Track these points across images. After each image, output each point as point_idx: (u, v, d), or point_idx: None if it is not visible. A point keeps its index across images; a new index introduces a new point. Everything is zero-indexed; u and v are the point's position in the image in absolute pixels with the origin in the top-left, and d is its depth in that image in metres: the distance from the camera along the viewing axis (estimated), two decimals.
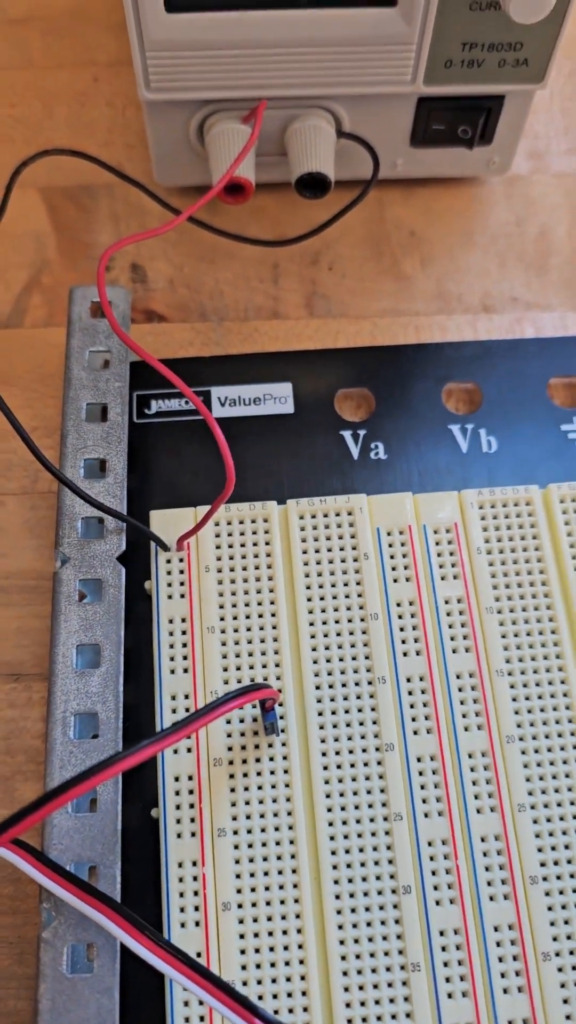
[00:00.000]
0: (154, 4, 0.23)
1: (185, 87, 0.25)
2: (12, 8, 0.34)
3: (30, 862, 0.19)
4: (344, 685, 0.21)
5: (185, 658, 0.22)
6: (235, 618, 0.22)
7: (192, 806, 0.20)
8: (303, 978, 0.19)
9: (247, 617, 0.22)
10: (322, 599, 0.22)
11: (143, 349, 0.20)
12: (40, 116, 0.32)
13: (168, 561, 0.22)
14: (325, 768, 0.21)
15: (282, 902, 0.20)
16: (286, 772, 0.21)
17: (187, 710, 0.21)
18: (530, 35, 0.24)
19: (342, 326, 0.28)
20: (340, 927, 0.19)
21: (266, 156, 0.28)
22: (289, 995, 0.19)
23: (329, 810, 0.20)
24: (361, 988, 0.19)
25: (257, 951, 0.19)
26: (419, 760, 0.21)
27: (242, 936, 0.19)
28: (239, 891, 0.20)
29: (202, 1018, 0.19)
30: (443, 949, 0.19)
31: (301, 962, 0.19)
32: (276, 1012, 0.19)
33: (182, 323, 0.28)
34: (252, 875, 0.20)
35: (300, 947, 0.19)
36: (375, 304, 0.28)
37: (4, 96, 0.32)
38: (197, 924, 0.20)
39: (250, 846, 0.20)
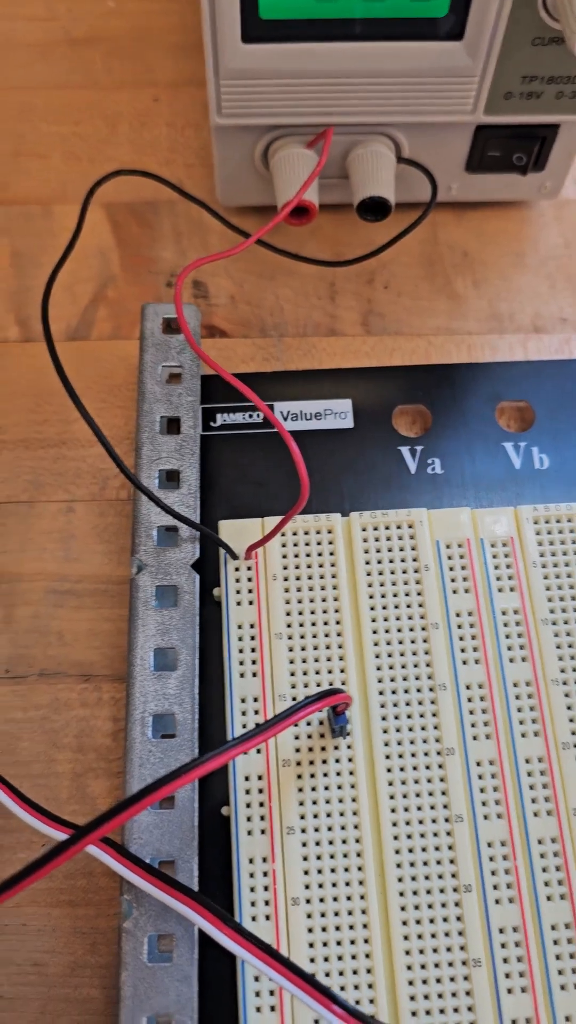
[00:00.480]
0: (232, 35, 0.24)
1: (255, 113, 0.26)
2: (75, 29, 0.35)
3: (114, 856, 0.20)
4: (406, 691, 0.22)
5: (254, 663, 0.22)
6: (301, 625, 0.23)
7: (262, 805, 0.21)
8: (369, 971, 0.20)
9: (312, 624, 0.23)
10: (384, 608, 0.23)
11: (221, 367, 0.21)
12: (103, 134, 0.33)
13: (237, 569, 0.23)
14: (389, 770, 0.21)
15: (348, 898, 0.20)
16: (351, 773, 0.21)
17: (256, 712, 0.22)
18: None
19: (397, 343, 0.29)
20: (404, 923, 0.20)
21: (326, 179, 0.29)
22: (356, 987, 0.20)
23: (393, 811, 0.21)
24: (424, 982, 0.20)
25: (325, 944, 0.20)
26: (478, 764, 0.22)
27: (310, 930, 0.20)
28: (307, 887, 0.21)
29: (272, 1008, 0.20)
30: (503, 946, 0.20)
31: (367, 956, 0.20)
32: None
33: (243, 338, 0.29)
34: (320, 871, 0.21)
35: (366, 941, 0.20)
36: (429, 322, 0.29)
37: (68, 114, 0.33)
38: (267, 918, 0.20)
39: (317, 843, 0.21)
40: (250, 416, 0.26)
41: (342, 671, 0.22)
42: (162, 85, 0.34)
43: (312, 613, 0.23)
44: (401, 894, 0.21)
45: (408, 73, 0.25)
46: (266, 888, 0.21)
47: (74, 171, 0.32)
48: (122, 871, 0.20)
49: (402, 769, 0.21)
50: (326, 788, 0.21)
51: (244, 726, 0.22)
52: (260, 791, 0.21)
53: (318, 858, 0.21)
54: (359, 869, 0.21)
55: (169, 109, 0.33)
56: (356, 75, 0.25)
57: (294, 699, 0.22)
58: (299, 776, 0.21)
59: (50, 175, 0.32)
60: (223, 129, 0.27)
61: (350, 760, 0.21)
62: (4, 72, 0.34)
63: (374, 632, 0.23)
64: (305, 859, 0.21)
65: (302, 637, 0.23)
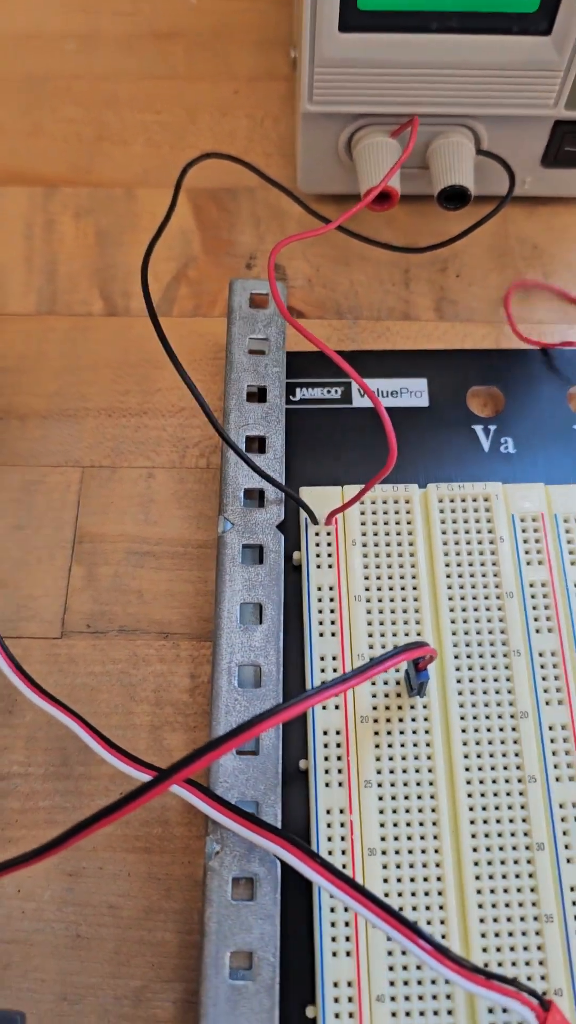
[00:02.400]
0: (330, 23, 0.25)
1: (345, 101, 0.27)
2: (159, 23, 0.36)
3: (201, 797, 0.20)
4: (481, 656, 0.23)
5: (333, 623, 0.23)
6: (379, 589, 0.23)
7: (340, 758, 0.22)
8: (443, 922, 0.20)
9: (390, 589, 0.23)
10: (460, 576, 0.23)
11: (319, 340, 0.22)
12: (184, 123, 0.34)
13: (317, 534, 0.24)
14: (463, 731, 0.22)
15: (423, 851, 0.21)
16: (427, 732, 0.22)
17: (335, 670, 0.23)
18: None
19: (469, 330, 0.29)
20: (477, 877, 0.21)
21: (404, 168, 0.29)
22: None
23: (467, 769, 0.22)
24: (497, 935, 0.20)
25: (400, 895, 0.21)
26: (551, 728, 0.22)
27: (386, 880, 0.21)
28: (383, 838, 0.21)
29: (348, 953, 0.20)
30: (574, 903, 0.20)
31: (441, 907, 0.21)
32: None
33: (319, 319, 0.30)
34: (395, 824, 0.21)
35: (440, 893, 0.21)
36: (499, 311, 0.30)
37: (151, 103, 0.34)
38: (344, 867, 0.21)
39: (393, 798, 0.21)
40: (328, 392, 0.26)
41: (418, 634, 0.23)
42: (242, 79, 0.35)
43: (390, 579, 0.23)
44: (474, 850, 0.21)
45: (495, 66, 0.26)
46: (343, 839, 0.21)
47: (155, 157, 0.33)
48: (209, 811, 0.20)
49: (476, 730, 0.22)
50: (402, 745, 0.22)
51: (323, 683, 0.22)
52: (338, 745, 0.22)
53: (394, 811, 0.21)
54: (434, 824, 0.21)
55: (248, 101, 0.34)
56: (445, 66, 0.26)
57: (371, 659, 0.23)
58: (376, 732, 0.22)
59: (132, 160, 0.33)
60: (312, 116, 0.28)
61: (426, 720, 0.22)
62: (91, 62, 0.35)
63: (450, 599, 0.23)
64: (381, 812, 0.21)
65: (379, 600, 0.23)
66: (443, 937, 0.20)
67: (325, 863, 0.19)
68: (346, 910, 0.21)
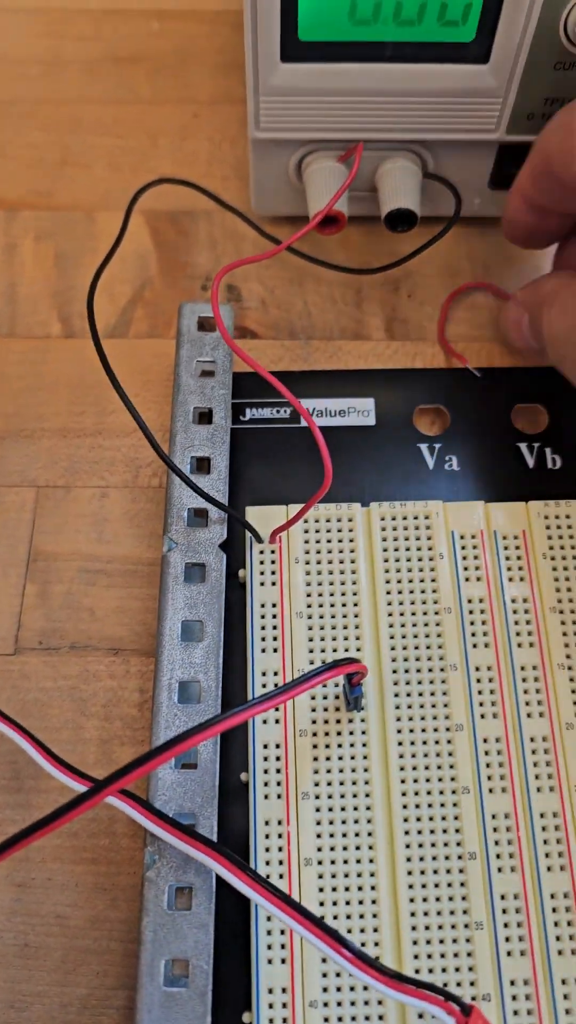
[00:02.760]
0: (272, 54, 0.26)
1: (291, 128, 0.28)
2: (121, 48, 0.37)
3: (138, 810, 0.21)
4: (419, 670, 0.23)
5: (275, 639, 0.24)
6: (320, 605, 0.24)
7: (279, 771, 0.22)
8: (376, 930, 0.21)
9: (332, 605, 0.24)
10: (400, 592, 0.24)
11: (256, 362, 0.23)
12: (145, 147, 0.35)
13: (261, 552, 0.24)
14: (400, 743, 0.22)
15: (358, 860, 0.22)
16: (364, 745, 0.22)
17: (275, 685, 0.23)
18: None
19: (420, 349, 0.30)
20: (410, 886, 0.21)
21: (355, 191, 0.30)
22: (362, 944, 0.21)
23: (403, 781, 0.22)
24: (428, 942, 0.21)
25: (335, 903, 0.21)
26: (485, 741, 0.23)
27: (321, 889, 0.21)
28: (319, 849, 0.22)
29: (283, 960, 0.21)
30: (504, 912, 0.21)
31: (374, 915, 0.21)
32: None
33: (273, 340, 0.30)
34: (332, 835, 0.22)
35: (374, 902, 0.21)
36: (451, 330, 0.30)
37: (113, 128, 0.35)
38: (281, 876, 0.21)
39: (330, 809, 0.22)
40: (277, 412, 0.27)
41: (358, 650, 0.23)
42: (202, 102, 0.35)
43: (331, 595, 0.24)
44: (408, 859, 0.22)
45: (436, 93, 0.27)
46: (280, 849, 0.22)
47: (117, 180, 0.34)
48: (146, 824, 0.21)
49: (412, 743, 0.22)
50: (340, 758, 0.22)
51: (253, 698, 0.23)
52: (278, 759, 0.22)
53: (330, 823, 0.22)
54: (369, 834, 0.22)
55: (208, 124, 0.35)
56: (387, 94, 0.27)
57: (302, 674, 0.23)
58: (315, 746, 0.22)
59: (94, 184, 0.34)
60: (261, 142, 0.29)
61: (364, 732, 0.23)
62: (54, 87, 0.36)
63: (389, 615, 0.24)
64: (318, 823, 0.22)
65: (321, 617, 0.24)
66: (376, 945, 0.21)
67: (253, 874, 0.20)
68: (277, 920, 0.21)
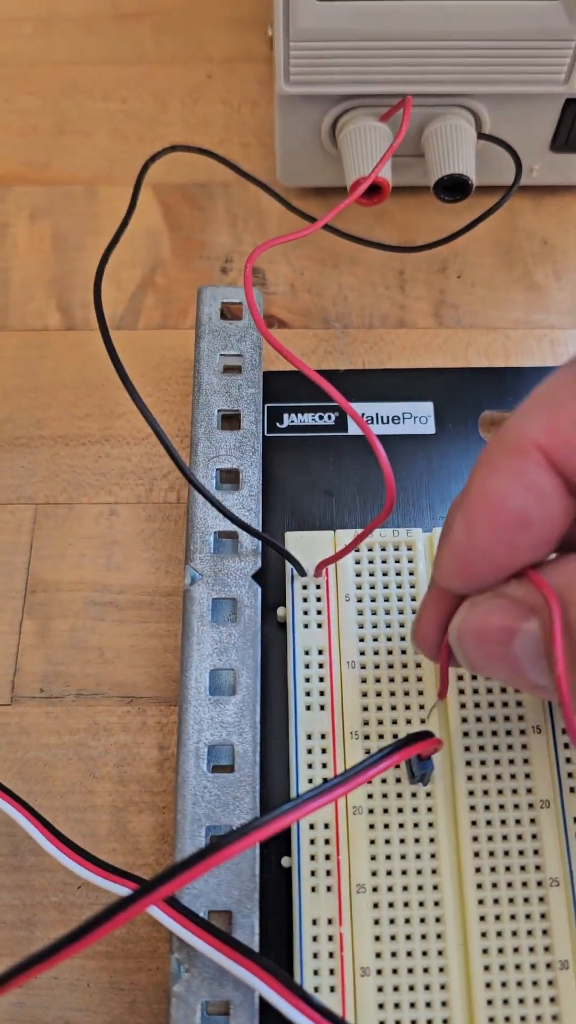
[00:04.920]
0: None
1: (326, 80, 0.23)
2: (123, 2, 0.31)
3: (165, 910, 0.16)
4: (495, 733, 0.19)
5: (322, 694, 0.19)
6: (376, 653, 0.19)
7: (329, 858, 0.18)
8: None
9: (389, 652, 0.19)
10: None
11: (296, 356, 0.18)
12: (153, 111, 0.29)
13: (304, 587, 0.20)
14: (474, 823, 0.18)
15: (426, 970, 0.17)
16: (431, 825, 0.18)
17: (323, 751, 0.19)
18: None
19: (473, 337, 0.25)
20: (490, 1002, 0.17)
21: (396, 157, 0.25)
22: None
23: (478, 870, 0.18)
24: None
25: (398, 1023, 0.17)
26: None
27: (381, 1006, 0.17)
28: (379, 955, 0.17)
29: None
30: None
31: None
32: None
33: (304, 329, 0.25)
34: (393, 938, 0.17)
35: (445, 1022, 0.17)
36: (507, 315, 0.26)
37: (115, 91, 0.30)
38: (332, 989, 0.17)
39: (391, 905, 0.17)
40: (320, 418, 0.22)
41: (421, 707, 0.19)
42: (216, 61, 0.30)
43: (389, 640, 0.19)
44: (487, 968, 0.17)
45: (498, 36, 0.22)
46: (331, 955, 0.17)
47: (121, 150, 0.29)
48: (174, 927, 0.16)
49: (489, 823, 0.18)
50: (402, 841, 0.18)
51: (310, 765, 0.19)
52: (327, 842, 0.18)
53: (391, 922, 0.17)
54: (438, 937, 0.17)
55: (224, 86, 0.30)
56: (440, 38, 0.22)
57: (366, 737, 0.19)
58: (371, 826, 0.18)
59: (95, 154, 0.29)
60: (290, 99, 0.24)
61: (430, 810, 0.18)
62: (48, 47, 0.31)
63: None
64: (377, 923, 0.17)
65: (377, 667, 0.19)
66: None
67: (307, 997, 0.15)
68: None
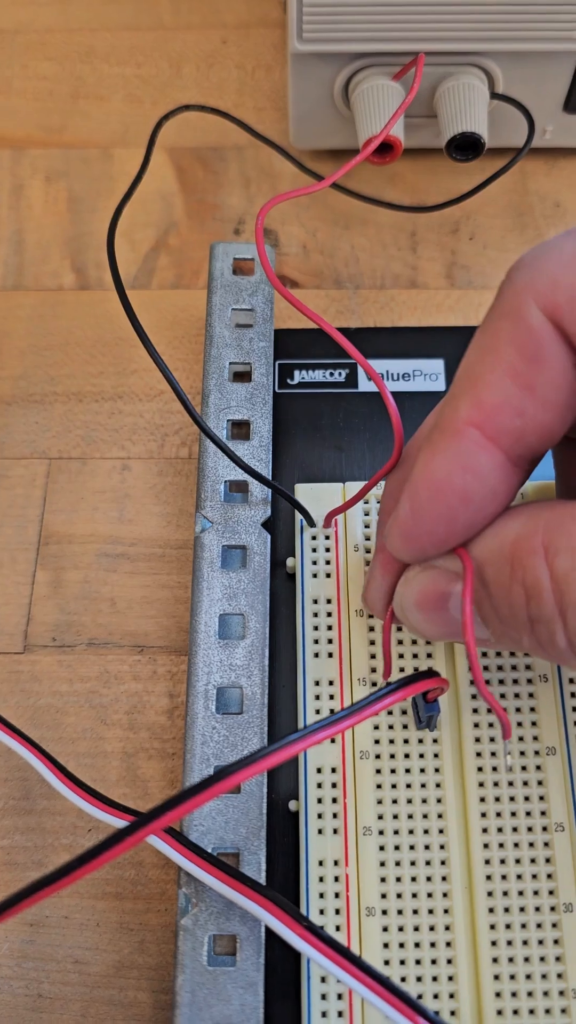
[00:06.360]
0: None
1: (339, 38, 0.22)
2: None
3: (173, 845, 0.16)
4: (502, 682, 0.18)
5: (330, 641, 0.19)
6: None
7: (335, 801, 0.18)
8: (452, 996, 0.16)
9: None
10: None
11: (311, 310, 0.17)
12: (167, 76, 0.29)
13: (314, 538, 0.20)
14: (480, 769, 0.18)
15: (430, 911, 0.17)
16: (437, 771, 0.18)
17: (331, 697, 0.19)
18: None
19: (484, 298, 0.25)
20: (494, 943, 0.17)
21: (408, 117, 0.25)
22: (437, 1012, 0.16)
23: (484, 815, 0.18)
24: (516, 1012, 0.16)
25: (402, 962, 0.17)
26: None
27: (386, 945, 0.17)
28: (384, 896, 0.17)
29: (340, 1013, 0.16)
30: None
31: (450, 978, 0.17)
32: None
33: (316, 290, 0.25)
34: (399, 879, 0.17)
35: (449, 961, 0.17)
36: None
37: (130, 55, 0.29)
38: (338, 928, 0.17)
39: (397, 848, 0.17)
40: (331, 374, 0.22)
41: (429, 655, 0.19)
42: (230, 26, 0.30)
43: None
44: (491, 909, 0.17)
45: None
46: (337, 895, 0.17)
47: (136, 114, 0.29)
48: (182, 861, 0.16)
49: (494, 768, 0.18)
50: (408, 785, 0.18)
51: (318, 712, 0.18)
52: (333, 785, 0.18)
53: (397, 864, 0.17)
54: (443, 879, 0.17)
55: (238, 50, 0.29)
56: None
57: (373, 684, 0.18)
58: (378, 771, 0.18)
59: (110, 118, 0.28)
60: (303, 58, 0.23)
61: (436, 756, 0.18)
62: (64, 13, 0.30)
63: None
64: (383, 864, 0.17)
65: None
66: (453, 1014, 0.16)
67: (313, 928, 0.15)
68: (339, 980, 0.17)
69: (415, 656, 0.19)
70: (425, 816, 0.18)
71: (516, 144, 0.25)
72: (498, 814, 0.17)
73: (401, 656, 0.19)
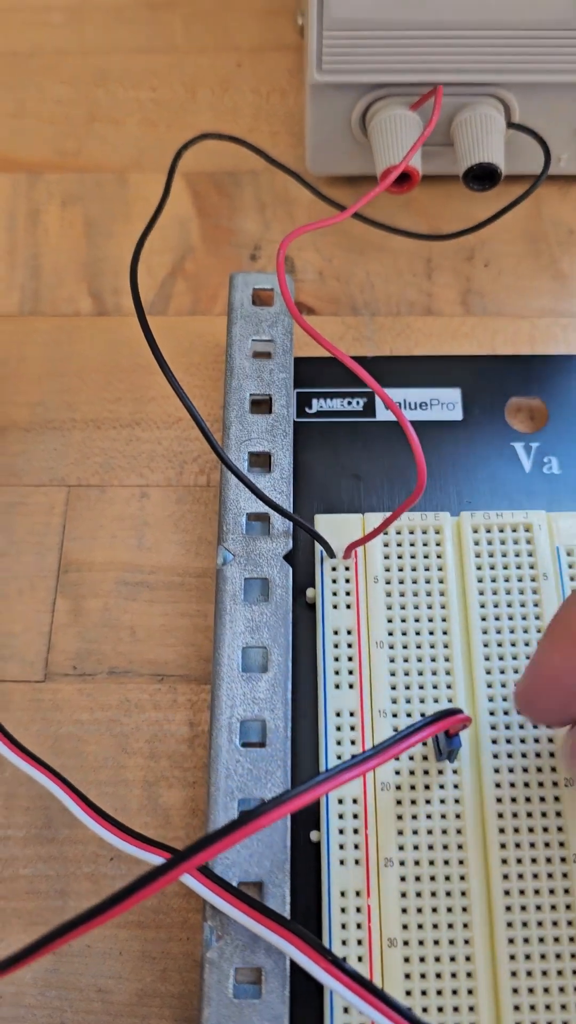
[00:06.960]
0: None
1: (359, 69, 0.23)
2: None
3: (199, 879, 0.17)
4: (521, 725, 0.19)
5: (351, 672, 0.19)
6: (404, 633, 0.19)
7: (357, 832, 0.18)
8: None
9: (417, 633, 0.19)
10: (497, 619, 0.20)
11: (330, 342, 0.18)
12: (182, 100, 0.30)
13: (334, 569, 0.20)
14: (499, 800, 0.18)
15: (451, 942, 0.17)
16: (458, 802, 0.18)
17: (352, 728, 0.19)
18: None
19: (500, 325, 0.25)
20: (514, 974, 0.17)
21: (424, 145, 0.25)
22: None
23: (503, 846, 0.18)
24: None
25: (424, 993, 0.17)
26: None
27: (408, 976, 0.17)
28: (405, 927, 0.17)
29: None
30: None
31: (471, 1008, 0.17)
32: None
33: (332, 316, 0.25)
34: (420, 910, 0.18)
35: (470, 992, 0.17)
36: (533, 303, 0.26)
37: (146, 79, 0.30)
38: (360, 959, 0.17)
39: (418, 879, 0.18)
40: (348, 403, 0.22)
41: (449, 687, 0.19)
42: (245, 50, 0.30)
43: (417, 621, 0.19)
44: (511, 941, 0.17)
45: (527, 25, 0.22)
46: (359, 926, 0.18)
47: (151, 138, 0.29)
48: (208, 895, 0.17)
49: (514, 800, 0.18)
50: (428, 817, 0.18)
51: (339, 743, 0.19)
52: (355, 816, 0.18)
53: (418, 895, 0.18)
54: (464, 910, 0.18)
55: (253, 74, 0.30)
56: (470, 27, 0.22)
57: (394, 715, 0.19)
58: (399, 802, 0.18)
59: (125, 142, 0.29)
60: (321, 88, 0.24)
61: (456, 787, 0.18)
62: (80, 36, 0.31)
63: (485, 645, 0.19)
64: (404, 895, 0.18)
65: (405, 647, 0.19)
66: None
67: (337, 962, 0.16)
68: (362, 1012, 0.17)
69: (435, 687, 0.19)
70: (446, 847, 0.18)
71: (530, 171, 0.25)
72: (517, 845, 0.18)
73: (421, 687, 0.19)
